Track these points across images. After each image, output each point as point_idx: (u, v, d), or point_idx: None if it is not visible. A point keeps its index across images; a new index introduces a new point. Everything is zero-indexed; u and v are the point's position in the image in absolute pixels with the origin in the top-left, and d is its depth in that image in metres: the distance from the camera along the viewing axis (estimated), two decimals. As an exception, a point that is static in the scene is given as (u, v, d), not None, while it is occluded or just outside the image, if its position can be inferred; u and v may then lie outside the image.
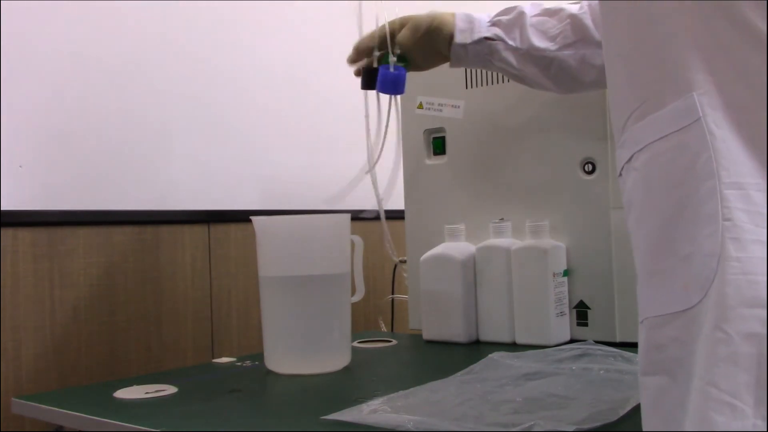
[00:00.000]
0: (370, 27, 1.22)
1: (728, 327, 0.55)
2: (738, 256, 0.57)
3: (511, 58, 1.12)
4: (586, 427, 0.76)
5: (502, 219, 1.31)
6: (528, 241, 1.27)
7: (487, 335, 1.30)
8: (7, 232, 1.15)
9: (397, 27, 1.18)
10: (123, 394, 0.98)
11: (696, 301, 0.58)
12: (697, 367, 0.57)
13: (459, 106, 1.37)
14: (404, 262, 1.50)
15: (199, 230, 1.40)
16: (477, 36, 1.13)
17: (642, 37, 0.66)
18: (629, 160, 0.67)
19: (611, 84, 0.71)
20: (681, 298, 0.60)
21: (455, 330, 1.30)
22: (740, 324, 0.55)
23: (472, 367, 1.06)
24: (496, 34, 1.12)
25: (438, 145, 1.42)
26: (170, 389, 1.00)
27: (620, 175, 0.70)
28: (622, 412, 0.81)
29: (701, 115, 0.60)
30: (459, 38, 1.14)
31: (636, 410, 0.82)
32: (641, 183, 0.66)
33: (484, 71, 1.36)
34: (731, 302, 0.56)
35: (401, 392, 0.93)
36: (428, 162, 1.44)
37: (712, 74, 0.60)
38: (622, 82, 0.69)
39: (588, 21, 1.10)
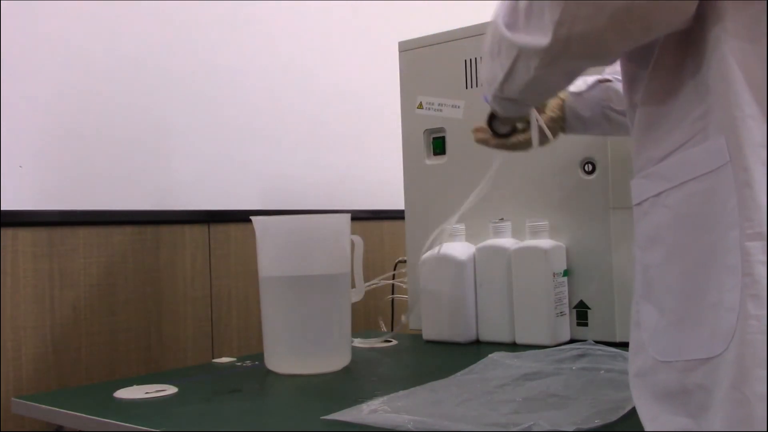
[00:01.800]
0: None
1: (745, 389, 0.56)
2: (757, 314, 0.57)
3: None
4: (586, 427, 0.76)
5: (502, 219, 1.31)
6: (528, 241, 1.26)
7: (487, 335, 1.30)
8: (7, 232, 1.15)
9: None
10: (123, 394, 0.98)
11: (718, 352, 0.60)
12: (717, 420, 0.58)
13: (459, 106, 1.37)
14: (404, 262, 1.50)
15: (199, 230, 1.40)
16: (592, 80, 1.08)
17: (688, 79, 0.66)
18: (658, 195, 0.68)
19: (652, 109, 0.71)
20: (707, 346, 0.61)
21: (455, 330, 1.30)
22: (756, 385, 0.56)
23: (472, 367, 1.06)
24: (613, 76, 1.06)
25: (438, 145, 1.42)
26: (170, 389, 1.00)
27: (639, 204, 0.71)
28: (622, 412, 0.81)
29: (728, 159, 0.60)
30: (572, 87, 1.08)
31: (634, 410, 0.82)
32: (673, 222, 0.66)
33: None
34: (748, 363, 0.57)
35: (401, 392, 0.93)
36: (428, 162, 1.44)
37: (744, 112, 0.60)
38: (663, 115, 0.69)
39: None
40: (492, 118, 1.08)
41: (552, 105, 1.10)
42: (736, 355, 0.57)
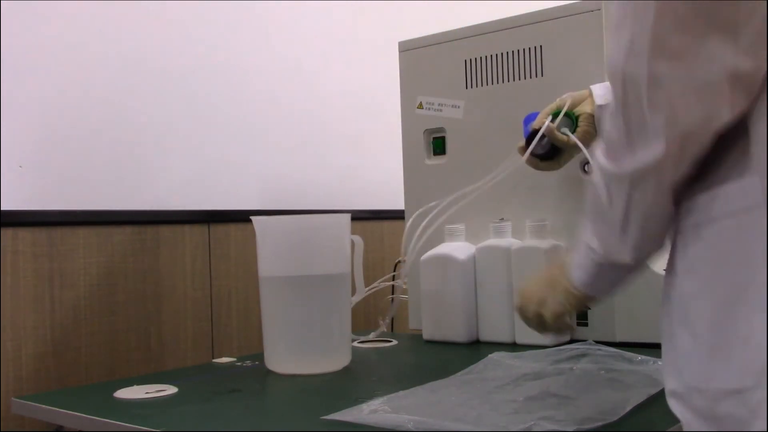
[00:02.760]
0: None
1: None
2: None
3: None
4: (586, 427, 0.76)
5: (502, 219, 1.31)
6: (528, 241, 1.26)
7: (487, 335, 1.30)
8: (7, 232, 1.15)
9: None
10: (123, 394, 0.98)
11: (750, 385, 0.61)
12: None
13: (459, 106, 1.37)
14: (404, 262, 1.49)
15: (199, 230, 1.40)
16: None
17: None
18: (696, 226, 0.69)
19: None
20: (736, 378, 0.62)
21: (455, 330, 1.30)
22: None
23: (472, 367, 1.06)
24: None
25: (438, 145, 1.42)
26: (170, 389, 1.00)
27: (678, 234, 0.72)
28: (622, 412, 0.81)
29: (764, 199, 0.61)
30: (600, 101, 1.10)
31: (636, 410, 0.82)
32: (707, 255, 0.67)
33: (484, 70, 1.35)
34: None
35: (401, 392, 0.93)
36: (428, 162, 1.44)
37: None
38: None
39: None
40: (530, 138, 1.12)
41: (585, 118, 1.12)
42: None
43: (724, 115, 0.65)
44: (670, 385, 0.72)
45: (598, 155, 0.75)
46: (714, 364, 0.65)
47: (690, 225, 0.70)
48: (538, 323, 0.93)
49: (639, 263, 0.80)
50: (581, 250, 0.84)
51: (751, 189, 0.63)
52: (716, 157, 0.68)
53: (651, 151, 0.67)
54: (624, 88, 0.67)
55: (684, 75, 0.63)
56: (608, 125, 0.72)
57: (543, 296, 0.91)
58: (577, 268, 0.85)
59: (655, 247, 0.77)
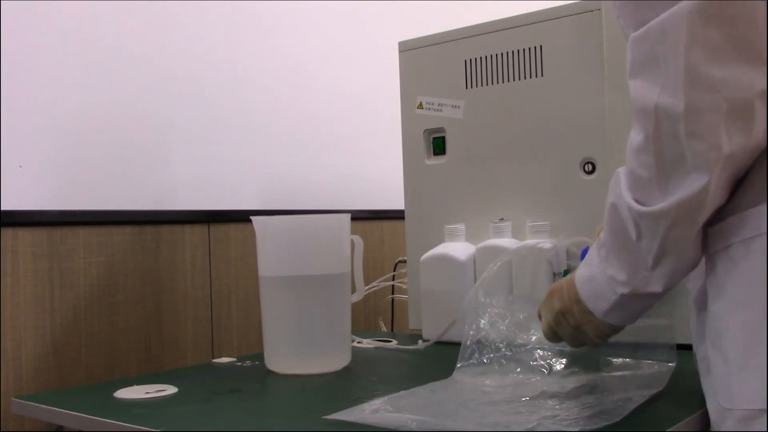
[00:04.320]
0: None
1: None
2: None
3: None
4: (589, 427, 0.76)
5: (502, 219, 1.31)
6: (528, 241, 1.26)
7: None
8: (7, 232, 1.15)
9: None
10: (123, 394, 0.98)
11: None
12: None
13: (459, 106, 1.37)
14: (404, 262, 1.49)
15: (199, 230, 1.40)
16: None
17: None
18: (726, 247, 0.69)
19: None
20: (763, 399, 0.63)
21: (455, 330, 1.30)
22: None
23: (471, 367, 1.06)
24: None
25: (438, 145, 1.42)
26: (170, 389, 1.00)
27: (708, 255, 0.73)
28: (625, 413, 0.80)
29: None
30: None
31: (638, 410, 0.82)
32: (737, 275, 0.68)
33: (484, 70, 1.35)
34: None
35: (402, 392, 0.93)
36: (428, 162, 1.43)
37: None
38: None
39: None
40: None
41: None
42: None
43: (763, 134, 0.65)
44: (710, 407, 0.73)
45: (624, 195, 0.73)
46: (742, 384, 0.66)
47: (720, 248, 0.70)
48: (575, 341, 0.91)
49: (668, 290, 0.78)
50: (600, 280, 0.80)
51: None
52: (745, 180, 0.69)
53: (692, 183, 0.66)
54: (657, 123, 0.66)
55: (721, 102, 0.63)
56: (634, 164, 0.71)
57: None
58: (598, 299, 0.82)
59: (687, 271, 0.75)
